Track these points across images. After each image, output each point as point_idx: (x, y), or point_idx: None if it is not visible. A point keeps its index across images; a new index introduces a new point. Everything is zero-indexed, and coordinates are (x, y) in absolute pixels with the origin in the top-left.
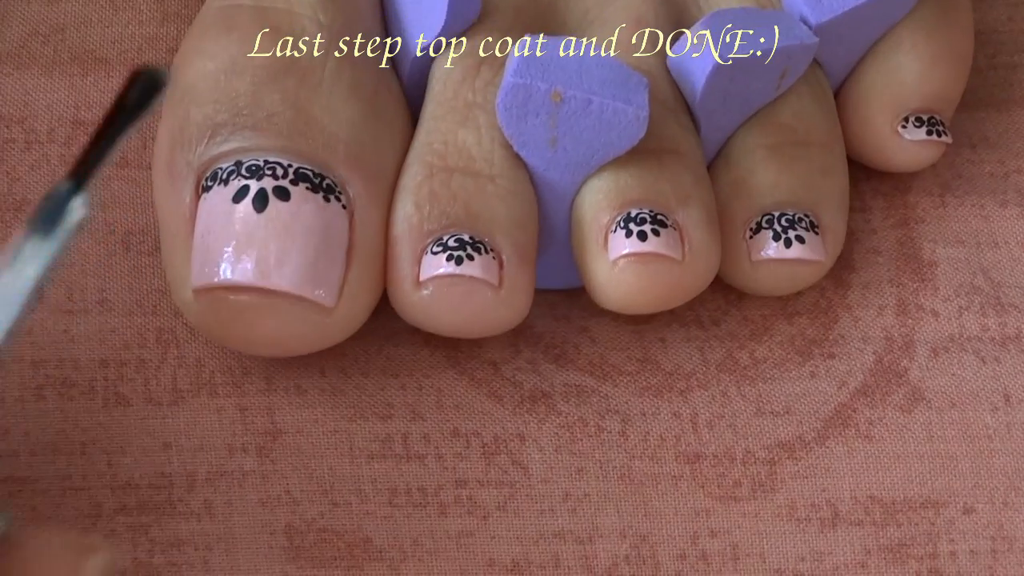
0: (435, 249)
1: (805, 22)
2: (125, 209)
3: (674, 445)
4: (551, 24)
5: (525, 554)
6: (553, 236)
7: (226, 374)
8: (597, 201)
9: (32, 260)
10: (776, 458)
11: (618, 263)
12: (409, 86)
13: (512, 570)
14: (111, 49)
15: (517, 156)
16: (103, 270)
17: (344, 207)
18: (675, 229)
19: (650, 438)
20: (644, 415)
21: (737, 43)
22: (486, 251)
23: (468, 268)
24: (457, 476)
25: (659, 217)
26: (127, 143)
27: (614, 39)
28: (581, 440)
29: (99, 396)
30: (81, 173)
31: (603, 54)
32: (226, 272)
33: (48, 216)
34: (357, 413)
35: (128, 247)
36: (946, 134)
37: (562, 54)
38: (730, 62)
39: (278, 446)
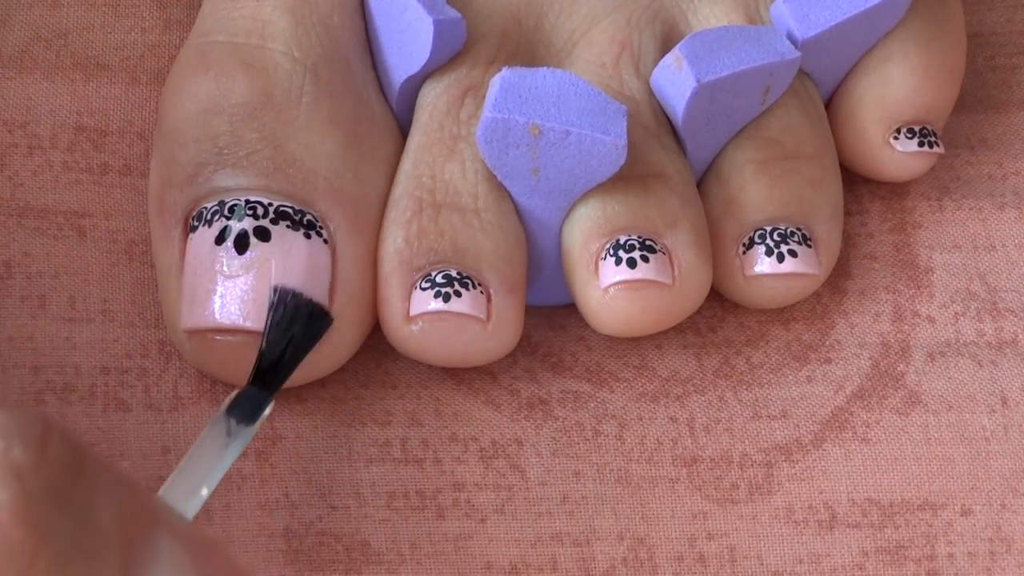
0: (424, 285)
1: (792, 37)
2: (128, 218)
3: (671, 448)
4: (537, 47)
5: (523, 557)
6: (543, 262)
7: (228, 384)
8: (585, 229)
9: (238, 443)
10: (773, 461)
11: (609, 291)
12: (398, 112)
13: (510, 573)
14: (113, 55)
15: (502, 187)
16: (106, 280)
17: (325, 241)
18: (664, 253)
19: (647, 442)
20: (641, 419)
21: (717, 63)
22: (473, 286)
23: (456, 304)
24: (455, 480)
25: (648, 243)
26: (130, 151)
27: (598, 62)
28: (578, 444)
29: (99, 401)
30: (273, 384)
31: (581, 82)
32: (212, 315)
33: (252, 410)
34: (356, 420)
35: (131, 257)
36: (938, 145)
37: (540, 85)
38: (710, 83)
39: (277, 451)
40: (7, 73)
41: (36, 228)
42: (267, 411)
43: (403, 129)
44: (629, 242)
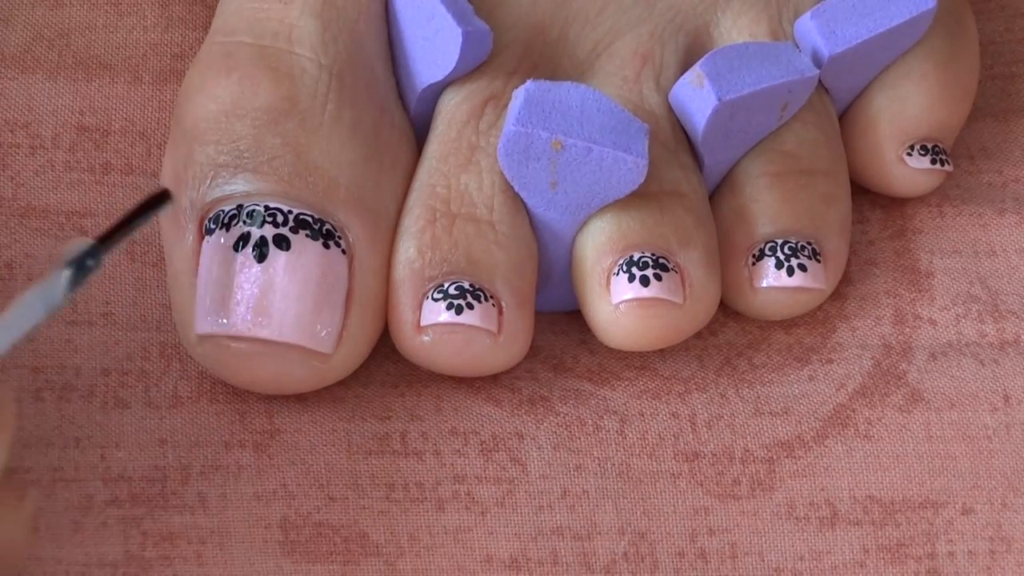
0: (436, 296)
1: (818, 53)
2: None
3: (672, 444)
4: (560, 58)
5: (523, 550)
6: (552, 270)
7: (228, 384)
8: (599, 243)
9: (56, 285)
10: (775, 457)
11: (620, 307)
12: (415, 117)
13: (510, 566)
14: (115, 55)
15: (517, 199)
16: (107, 281)
17: (344, 252)
18: (676, 272)
19: (648, 436)
20: (642, 415)
21: (737, 81)
22: (486, 299)
23: (468, 317)
24: (455, 472)
25: (661, 261)
26: (132, 150)
27: (620, 75)
28: (579, 438)
29: (98, 400)
30: (109, 240)
31: (604, 98)
32: (227, 322)
33: (81, 260)
34: (356, 415)
35: (133, 257)
36: (948, 163)
37: (563, 100)
38: (731, 101)
39: (275, 443)
40: (9, 73)
41: (38, 228)
42: (97, 267)
43: (419, 135)
44: (643, 259)
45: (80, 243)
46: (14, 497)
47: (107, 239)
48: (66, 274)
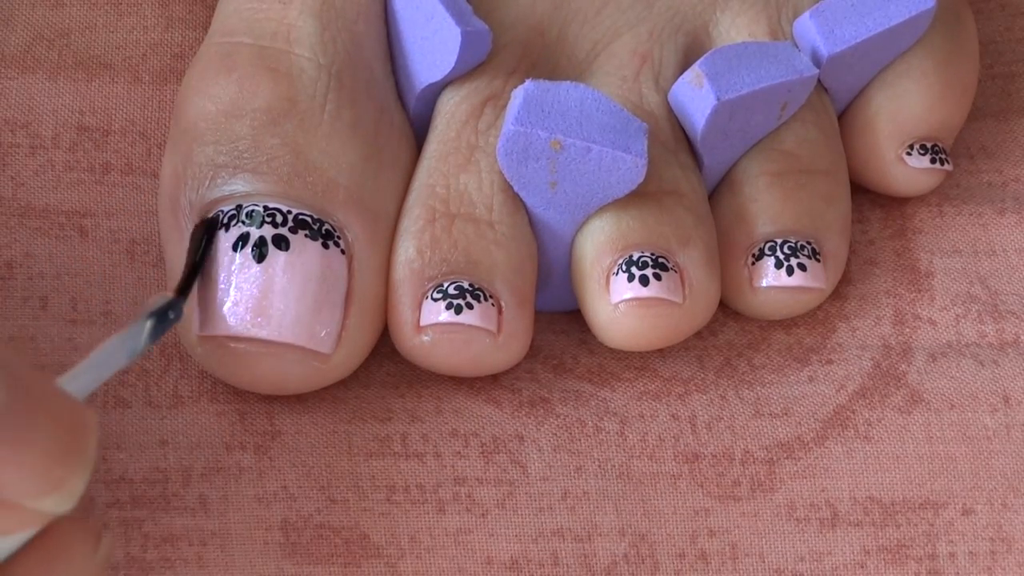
0: (435, 296)
1: (817, 52)
2: (130, 216)
3: (673, 445)
4: (559, 58)
5: (524, 552)
6: (551, 270)
7: (228, 385)
8: (599, 243)
9: (139, 334)
10: (775, 458)
11: (619, 306)
12: (414, 117)
13: (511, 568)
14: (116, 54)
15: (517, 199)
16: (107, 281)
17: (343, 252)
18: (676, 272)
19: (648, 438)
20: (643, 417)
21: (736, 81)
22: (485, 298)
23: (467, 317)
24: (456, 474)
25: (660, 260)
26: (132, 150)
27: (619, 75)
28: (579, 440)
29: (98, 399)
30: (185, 290)
31: (604, 98)
32: (227, 323)
33: (163, 311)
34: (356, 416)
35: (133, 256)
36: (948, 162)
37: (563, 99)
38: (730, 101)
39: (276, 445)
40: (10, 73)
41: (38, 228)
42: (177, 318)
43: (418, 135)
44: (642, 259)
45: (161, 297)
46: (91, 539)
47: (183, 290)
48: (149, 324)
